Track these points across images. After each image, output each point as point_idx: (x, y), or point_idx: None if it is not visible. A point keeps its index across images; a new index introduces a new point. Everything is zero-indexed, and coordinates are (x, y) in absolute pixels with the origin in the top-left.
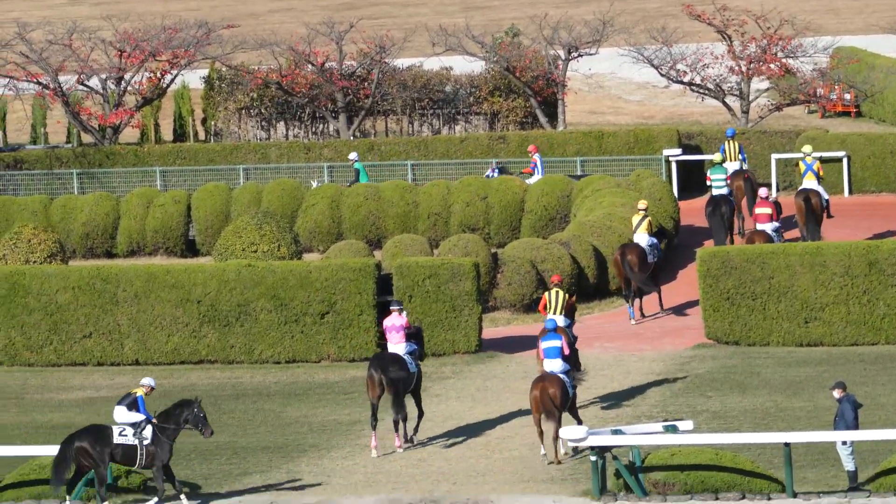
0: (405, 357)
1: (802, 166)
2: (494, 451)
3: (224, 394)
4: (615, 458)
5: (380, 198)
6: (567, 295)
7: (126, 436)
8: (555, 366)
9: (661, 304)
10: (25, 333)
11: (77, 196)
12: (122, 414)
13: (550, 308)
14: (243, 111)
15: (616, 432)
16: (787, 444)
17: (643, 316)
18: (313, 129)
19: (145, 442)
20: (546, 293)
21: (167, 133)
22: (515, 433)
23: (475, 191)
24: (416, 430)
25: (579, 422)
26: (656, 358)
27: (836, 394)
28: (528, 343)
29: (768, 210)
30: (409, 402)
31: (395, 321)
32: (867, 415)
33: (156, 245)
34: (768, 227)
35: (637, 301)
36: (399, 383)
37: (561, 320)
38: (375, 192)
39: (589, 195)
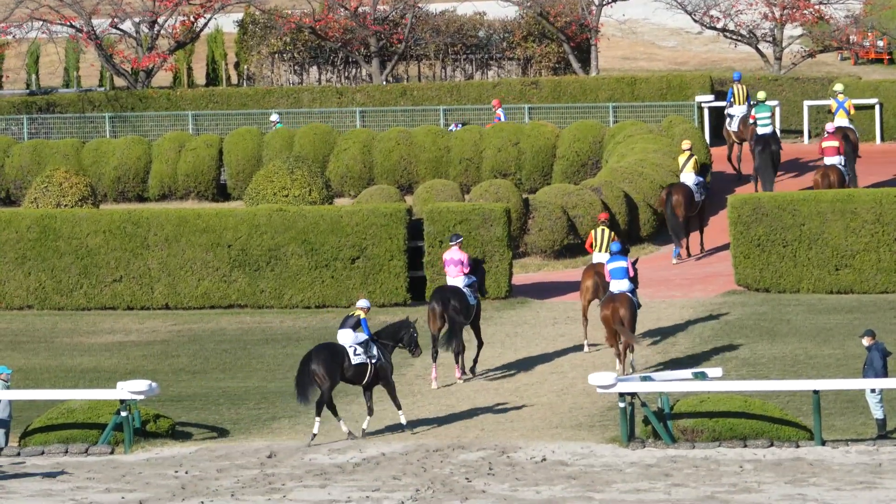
0: (465, 290)
1: (834, 104)
2: (523, 397)
3: (253, 338)
4: (644, 404)
5: (412, 143)
6: (612, 233)
7: (359, 355)
8: (622, 286)
9: (703, 246)
10: (56, 277)
11: (109, 140)
12: (347, 336)
13: (597, 246)
14: (276, 55)
15: (645, 379)
16: (816, 392)
17: (698, 251)
18: (346, 73)
19: (373, 360)
20: (592, 231)
21: (200, 77)
22: (544, 379)
23: (507, 136)
24: (475, 361)
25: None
26: (686, 304)
27: (866, 342)
28: (558, 289)
29: (835, 143)
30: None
31: (454, 255)
32: None
33: (187, 189)
34: (836, 161)
35: (683, 238)
36: (458, 316)
37: (606, 258)
38: (407, 137)
39: (621, 141)
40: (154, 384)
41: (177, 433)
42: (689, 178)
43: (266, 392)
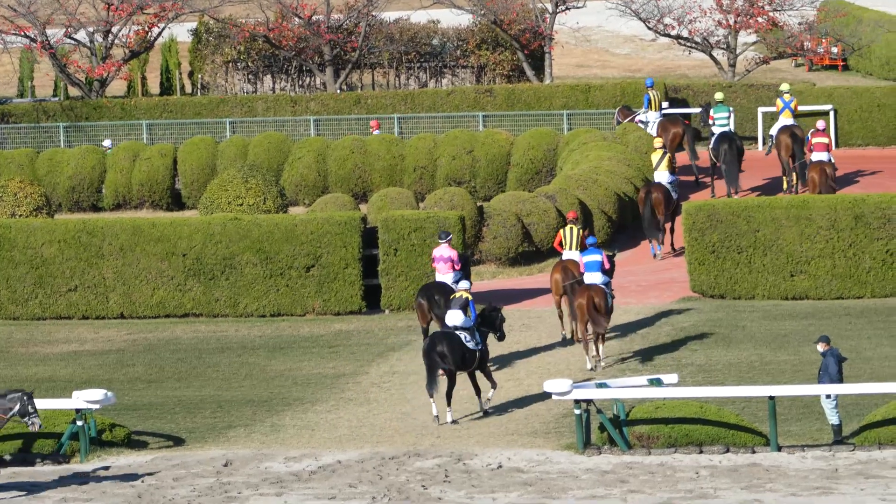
0: (452, 286)
1: (780, 104)
2: (478, 405)
3: (209, 347)
4: (599, 411)
5: (366, 151)
6: (581, 230)
7: (469, 340)
8: (595, 278)
9: (673, 245)
10: (10, 287)
11: (64, 149)
12: (458, 316)
13: (566, 244)
14: (230, 64)
15: (600, 385)
16: (771, 398)
17: (673, 250)
18: (300, 82)
19: (478, 346)
20: (561, 230)
21: (154, 86)
22: (500, 386)
23: (461, 144)
24: None
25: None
26: (641, 311)
27: (820, 347)
28: (513, 297)
29: (825, 140)
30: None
31: (444, 252)
32: (852, 368)
33: (142, 198)
34: (825, 157)
35: (661, 236)
36: (441, 312)
37: (576, 255)
38: (362, 145)
39: (575, 148)
40: (110, 393)
41: (133, 442)
42: (663, 176)
43: (221, 401)
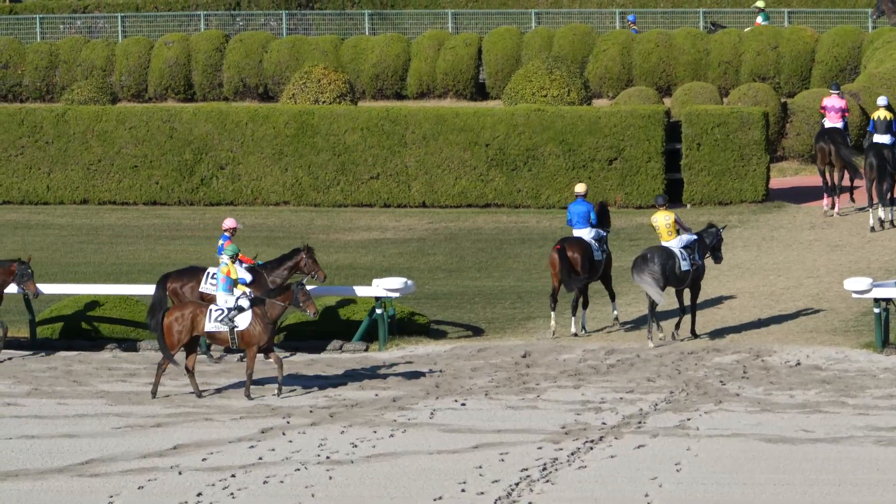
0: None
1: None
2: (779, 301)
3: (510, 238)
4: None
5: (671, 45)
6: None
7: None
8: None
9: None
10: (312, 173)
11: (368, 37)
12: (886, 137)
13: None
14: None
15: None
16: None
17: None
18: None
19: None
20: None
21: None
22: (800, 284)
23: (766, 40)
24: (851, 190)
25: None
26: None
27: None
28: (815, 193)
29: None
30: None
31: (836, 102)
32: None
33: (446, 87)
34: None
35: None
36: (847, 151)
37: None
38: (667, 39)
39: (879, 47)
40: (410, 282)
41: (431, 331)
42: None
43: (521, 292)
